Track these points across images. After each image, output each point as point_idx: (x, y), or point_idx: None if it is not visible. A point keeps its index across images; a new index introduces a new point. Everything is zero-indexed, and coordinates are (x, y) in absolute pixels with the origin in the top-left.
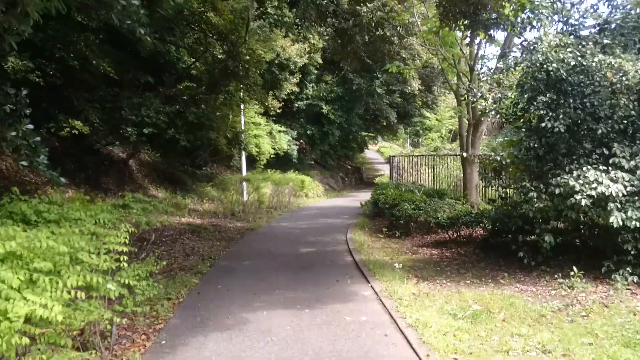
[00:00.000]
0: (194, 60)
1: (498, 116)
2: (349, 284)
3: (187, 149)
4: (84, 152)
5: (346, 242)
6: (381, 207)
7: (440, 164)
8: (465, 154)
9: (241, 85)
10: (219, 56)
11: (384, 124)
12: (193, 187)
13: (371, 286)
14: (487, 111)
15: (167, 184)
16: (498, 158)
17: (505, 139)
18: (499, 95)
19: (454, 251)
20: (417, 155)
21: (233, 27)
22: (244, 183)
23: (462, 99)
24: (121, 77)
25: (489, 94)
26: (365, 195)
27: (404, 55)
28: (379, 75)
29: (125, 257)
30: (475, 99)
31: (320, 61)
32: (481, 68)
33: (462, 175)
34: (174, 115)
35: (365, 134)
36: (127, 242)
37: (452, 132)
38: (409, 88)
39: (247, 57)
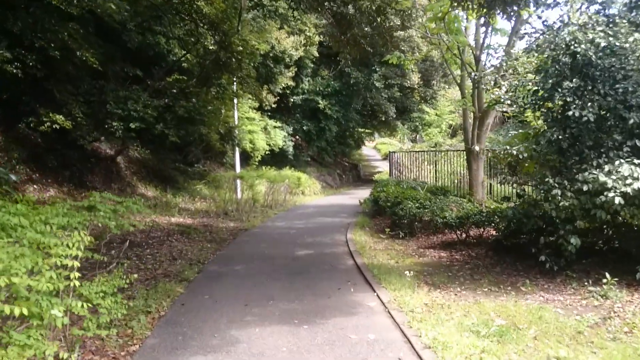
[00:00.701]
0: (184, 52)
1: (504, 109)
2: (351, 293)
3: (178, 145)
4: (69, 148)
5: (346, 243)
6: (382, 206)
7: (442, 159)
8: (477, 148)
9: (234, 78)
10: (211, 47)
11: (383, 119)
12: (185, 185)
13: (377, 295)
14: (501, 100)
15: (157, 181)
16: (514, 152)
17: (511, 133)
18: (516, 82)
19: (465, 254)
20: (418, 151)
21: (225, 17)
22: (238, 180)
23: (472, 88)
24: (107, 69)
25: (503, 82)
26: (363, 193)
27: (403, 48)
28: (377, 69)
29: (76, 274)
30: (487, 88)
31: (317, 54)
32: (487, 58)
33: (465, 171)
34: (162, 110)
35: (362, 130)
36: (80, 254)
37: (452, 127)
38: (408, 82)
39: (240, 48)
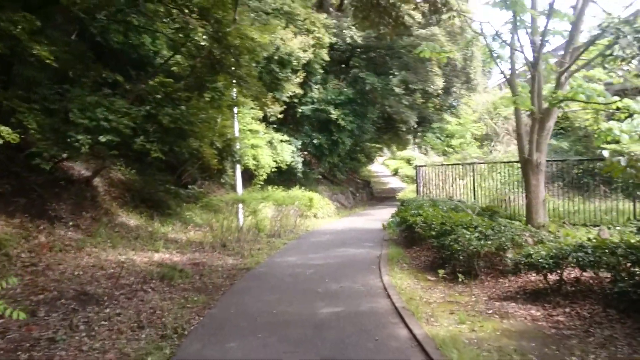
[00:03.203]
0: (173, 53)
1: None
2: None
3: (171, 164)
4: (29, 169)
5: (386, 293)
6: (421, 234)
7: (484, 174)
8: (537, 158)
9: (232, 80)
10: (203, 43)
11: (403, 129)
12: (177, 211)
13: None
14: (580, 93)
15: (143, 207)
16: None
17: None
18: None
19: (571, 312)
20: (454, 164)
21: (219, 1)
22: (240, 204)
23: (532, 81)
24: (76, 71)
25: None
26: (382, 214)
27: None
28: (395, 73)
29: None
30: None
31: (328, 58)
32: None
33: (512, 187)
34: (143, 119)
35: (373, 145)
36: None
37: (476, 138)
38: (432, 86)
39: (237, 42)
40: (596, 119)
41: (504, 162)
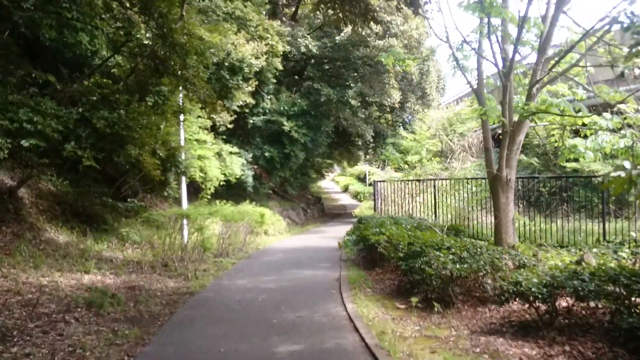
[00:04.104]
0: (112, 53)
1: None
2: None
3: (109, 174)
4: None
5: (353, 325)
6: (383, 254)
7: (446, 190)
8: (506, 174)
9: (178, 83)
10: (145, 42)
11: (359, 143)
12: (114, 226)
13: None
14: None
15: (76, 221)
16: None
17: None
18: None
19: (570, 351)
20: (414, 180)
21: None
22: (185, 220)
23: (503, 92)
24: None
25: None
26: (336, 231)
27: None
28: (352, 85)
29: None
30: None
31: (281, 67)
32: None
33: (476, 203)
34: (75, 122)
35: (323, 160)
36: None
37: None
38: (388, 100)
39: (184, 40)
40: (561, 135)
41: (470, 179)
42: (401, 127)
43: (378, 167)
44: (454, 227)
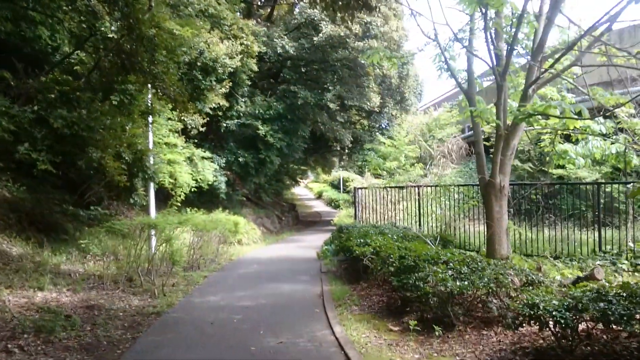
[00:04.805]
0: (74, 48)
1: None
2: None
3: (72, 180)
4: None
5: (344, 354)
6: (369, 267)
7: (435, 197)
8: (501, 181)
9: (147, 81)
10: (111, 35)
11: (337, 148)
12: (75, 236)
13: None
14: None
15: (33, 231)
16: None
17: None
18: None
19: None
20: (397, 187)
21: None
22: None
23: (498, 93)
24: None
25: None
26: (312, 240)
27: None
28: (330, 87)
29: None
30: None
31: (256, 68)
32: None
33: (447, 214)
34: (30, 122)
35: (298, 167)
36: None
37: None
38: (368, 103)
39: (153, 32)
40: (552, 140)
41: (460, 185)
42: (378, 132)
43: (356, 174)
44: (442, 237)
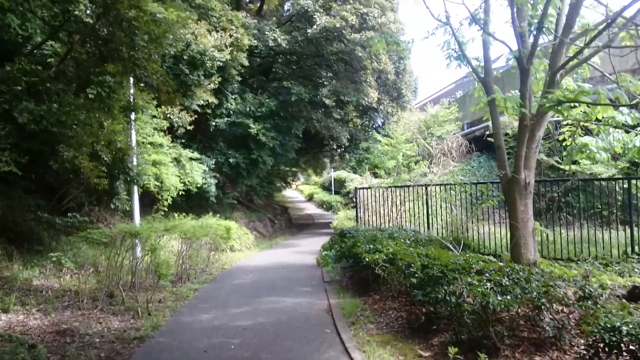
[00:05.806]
0: (46, 37)
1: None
2: None
3: (49, 184)
4: None
5: None
6: (381, 275)
7: (440, 196)
8: (526, 177)
9: (127, 66)
10: (86, 20)
11: (334, 146)
12: (51, 246)
13: None
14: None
15: (3, 241)
16: None
17: None
18: None
19: None
20: (406, 186)
21: None
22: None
23: (521, 79)
24: None
25: None
26: (309, 244)
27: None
28: (325, 82)
29: None
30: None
31: (246, 63)
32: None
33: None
34: None
35: (289, 169)
36: None
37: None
38: (366, 99)
39: (132, 15)
40: (573, 132)
41: (477, 183)
42: (374, 130)
43: (354, 174)
44: (456, 239)
